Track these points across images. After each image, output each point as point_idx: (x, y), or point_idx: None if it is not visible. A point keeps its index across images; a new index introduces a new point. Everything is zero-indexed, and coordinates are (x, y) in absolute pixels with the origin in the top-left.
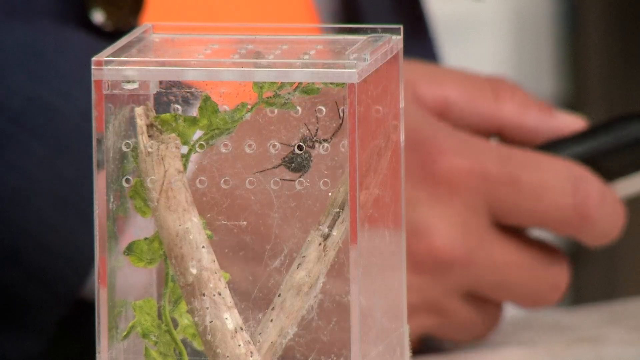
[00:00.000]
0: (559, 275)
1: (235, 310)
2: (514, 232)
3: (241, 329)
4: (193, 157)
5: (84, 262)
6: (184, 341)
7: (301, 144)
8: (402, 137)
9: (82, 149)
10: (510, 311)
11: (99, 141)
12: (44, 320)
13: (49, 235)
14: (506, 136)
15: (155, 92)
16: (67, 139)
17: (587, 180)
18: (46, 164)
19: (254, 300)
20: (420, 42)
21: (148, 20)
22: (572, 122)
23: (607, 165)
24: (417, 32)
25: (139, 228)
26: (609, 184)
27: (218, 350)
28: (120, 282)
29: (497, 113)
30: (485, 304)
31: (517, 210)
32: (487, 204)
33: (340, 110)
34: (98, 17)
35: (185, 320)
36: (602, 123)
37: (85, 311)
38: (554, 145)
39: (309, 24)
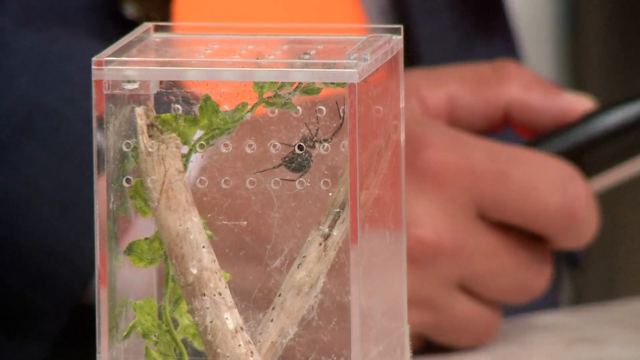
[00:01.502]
0: (543, 263)
1: (236, 310)
2: (499, 224)
3: (241, 328)
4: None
5: (87, 268)
6: (184, 341)
7: (301, 144)
8: (403, 137)
9: (87, 155)
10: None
11: (99, 141)
12: (48, 326)
13: (52, 241)
14: (513, 117)
15: (155, 92)
16: (72, 146)
17: (577, 181)
18: (51, 170)
19: (255, 300)
20: (487, 41)
21: (179, 12)
22: (578, 102)
23: (587, 159)
24: (484, 30)
25: (143, 228)
26: (590, 179)
27: (218, 350)
28: (121, 282)
29: (501, 95)
30: (482, 303)
31: (504, 206)
32: (473, 198)
33: (340, 110)
34: (129, 10)
35: (185, 320)
36: (586, 114)
37: (87, 317)
38: (541, 141)
39: (354, 22)
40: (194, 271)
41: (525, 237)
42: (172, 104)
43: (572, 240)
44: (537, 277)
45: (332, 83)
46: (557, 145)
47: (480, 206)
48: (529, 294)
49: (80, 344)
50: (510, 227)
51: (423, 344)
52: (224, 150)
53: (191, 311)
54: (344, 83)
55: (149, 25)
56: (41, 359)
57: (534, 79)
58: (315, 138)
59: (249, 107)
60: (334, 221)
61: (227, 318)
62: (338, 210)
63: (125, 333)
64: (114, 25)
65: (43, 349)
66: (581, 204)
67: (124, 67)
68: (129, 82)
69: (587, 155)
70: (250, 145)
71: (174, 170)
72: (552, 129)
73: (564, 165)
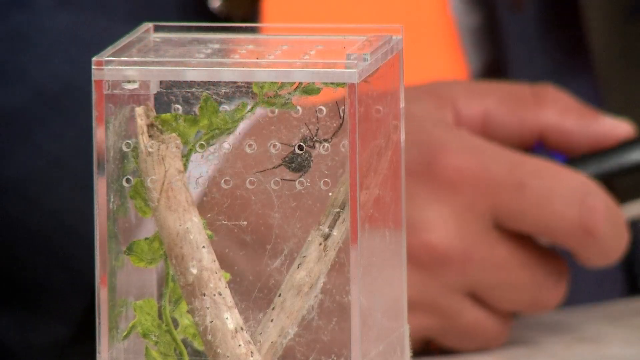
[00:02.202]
0: (558, 278)
1: (236, 310)
2: (514, 235)
3: (241, 328)
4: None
5: None
6: (184, 341)
7: (301, 143)
8: (403, 137)
9: None
10: None
11: (99, 141)
12: (71, 306)
13: (75, 220)
14: (548, 141)
15: (155, 92)
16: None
17: (596, 195)
18: (77, 150)
19: (255, 300)
20: (575, 77)
21: (267, 8)
22: (617, 127)
23: (622, 185)
24: (572, 64)
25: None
26: (621, 205)
27: (218, 350)
28: (121, 282)
29: (537, 118)
30: (491, 311)
31: (521, 216)
32: (489, 207)
33: (340, 110)
34: (217, 5)
35: (185, 320)
36: (622, 142)
37: None
38: (572, 162)
39: (449, 43)
40: (194, 271)
41: (542, 251)
42: (172, 104)
43: (594, 255)
44: (551, 291)
45: (332, 83)
46: (590, 168)
47: (496, 216)
48: (542, 308)
49: None
50: (527, 241)
51: (425, 346)
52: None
53: (191, 311)
54: (344, 83)
55: (149, 25)
56: (66, 339)
57: (572, 104)
58: (315, 138)
59: (249, 107)
60: (334, 221)
61: (227, 318)
62: (338, 210)
63: (125, 333)
64: (201, 21)
65: (68, 328)
66: (599, 219)
67: (124, 67)
68: (129, 82)
69: (620, 182)
70: (250, 145)
71: (174, 170)
72: (586, 152)
73: (584, 179)
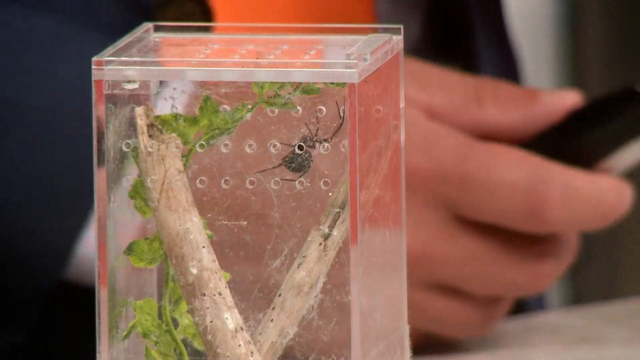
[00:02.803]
0: (539, 262)
1: (236, 310)
2: (485, 226)
3: (241, 328)
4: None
5: (62, 248)
6: (184, 341)
7: (301, 143)
8: (403, 137)
9: (51, 144)
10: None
11: (100, 141)
12: (27, 310)
13: (30, 224)
14: (498, 137)
15: (155, 92)
16: (35, 135)
17: (549, 180)
18: (19, 160)
19: (255, 300)
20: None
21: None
22: (562, 98)
23: (597, 142)
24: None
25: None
26: (608, 159)
27: (218, 350)
28: (121, 282)
29: (480, 119)
30: (470, 299)
31: (474, 208)
32: (444, 202)
33: (340, 110)
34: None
35: (185, 320)
36: (584, 106)
37: (66, 299)
38: (547, 135)
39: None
40: (194, 271)
41: (518, 236)
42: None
43: (574, 230)
44: (531, 275)
45: (332, 83)
46: (554, 138)
47: (452, 209)
48: (527, 290)
49: (60, 326)
50: (496, 228)
51: (424, 344)
52: (223, 150)
53: (191, 311)
54: (344, 83)
55: (149, 25)
56: (22, 343)
57: (510, 95)
58: (315, 138)
59: (249, 107)
60: (334, 221)
61: (227, 318)
62: (338, 210)
63: (125, 333)
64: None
65: (23, 332)
66: (552, 204)
67: (124, 67)
68: (129, 82)
69: (594, 140)
70: (250, 145)
71: (174, 170)
72: (552, 125)
73: (536, 166)
